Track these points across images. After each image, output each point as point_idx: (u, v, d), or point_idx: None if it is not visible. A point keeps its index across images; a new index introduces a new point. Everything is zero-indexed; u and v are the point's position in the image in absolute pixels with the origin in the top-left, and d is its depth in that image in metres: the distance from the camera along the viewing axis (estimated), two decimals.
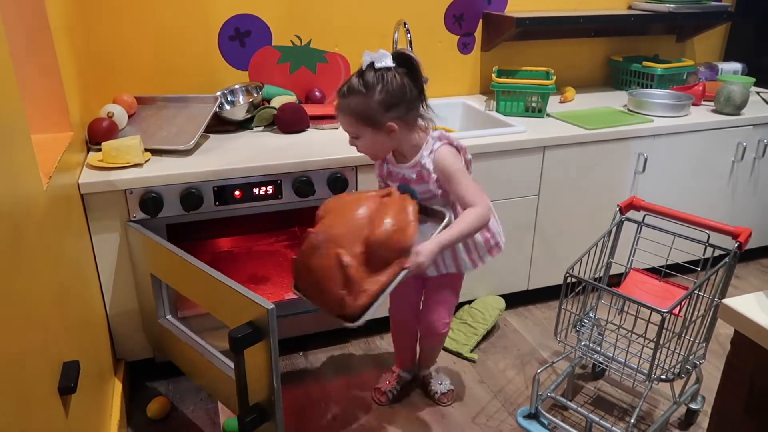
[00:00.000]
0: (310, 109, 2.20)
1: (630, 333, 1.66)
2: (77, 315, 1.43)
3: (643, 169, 2.30)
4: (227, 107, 2.18)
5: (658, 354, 1.54)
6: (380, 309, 2.14)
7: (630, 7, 2.79)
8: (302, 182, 1.87)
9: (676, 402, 1.76)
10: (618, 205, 1.80)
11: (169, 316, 1.82)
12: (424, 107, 1.52)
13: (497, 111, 2.38)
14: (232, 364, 1.56)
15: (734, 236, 1.59)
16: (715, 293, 1.63)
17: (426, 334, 1.84)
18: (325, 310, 1.43)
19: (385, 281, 1.37)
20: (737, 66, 2.93)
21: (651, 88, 2.67)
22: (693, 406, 1.83)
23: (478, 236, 1.61)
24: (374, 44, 2.44)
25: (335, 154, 1.89)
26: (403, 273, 1.39)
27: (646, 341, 1.59)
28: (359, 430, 1.82)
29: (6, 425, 0.84)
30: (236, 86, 2.24)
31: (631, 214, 1.82)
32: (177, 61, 2.21)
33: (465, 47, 2.61)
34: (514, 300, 2.40)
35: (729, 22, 2.92)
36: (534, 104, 2.34)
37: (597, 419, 1.69)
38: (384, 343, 2.20)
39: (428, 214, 1.53)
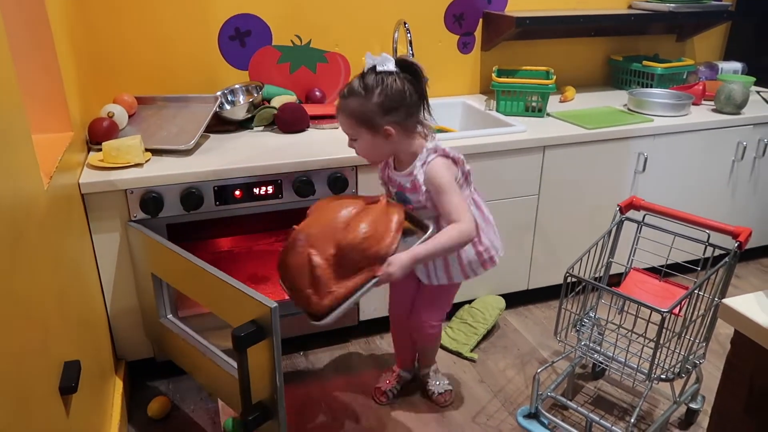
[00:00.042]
0: (310, 109, 2.20)
1: (630, 333, 1.66)
2: (78, 315, 1.43)
3: (643, 169, 2.30)
4: (227, 107, 2.18)
5: (658, 354, 1.54)
6: (380, 309, 2.14)
7: (630, 7, 2.79)
8: (302, 182, 1.87)
9: (676, 402, 1.76)
10: (618, 205, 1.80)
11: (170, 316, 1.82)
12: (426, 115, 1.52)
13: (497, 111, 2.38)
14: (234, 363, 1.57)
15: (734, 236, 1.60)
16: (715, 293, 1.63)
17: (415, 334, 1.86)
18: (296, 306, 1.45)
19: (352, 286, 1.39)
20: (737, 65, 2.93)
21: (651, 87, 2.67)
22: (693, 405, 1.83)
23: (471, 250, 1.61)
24: (374, 44, 2.44)
25: (335, 153, 1.89)
26: (373, 281, 1.40)
27: (646, 341, 1.59)
28: (359, 430, 1.82)
29: (7, 425, 0.85)
30: (236, 86, 2.24)
31: (631, 213, 1.82)
32: (177, 61, 2.22)
33: (465, 47, 2.61)
34: (514, 299, 2.40)
35: (729, 21, 2.92)
36: (534, 104, 2.34)
37: (597, 419, 1.69)
38: (384, 343, 2.21)
39: (420, 226, 1.52)
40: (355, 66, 2.44)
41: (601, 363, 1.75)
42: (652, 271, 1.84)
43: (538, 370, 1.79)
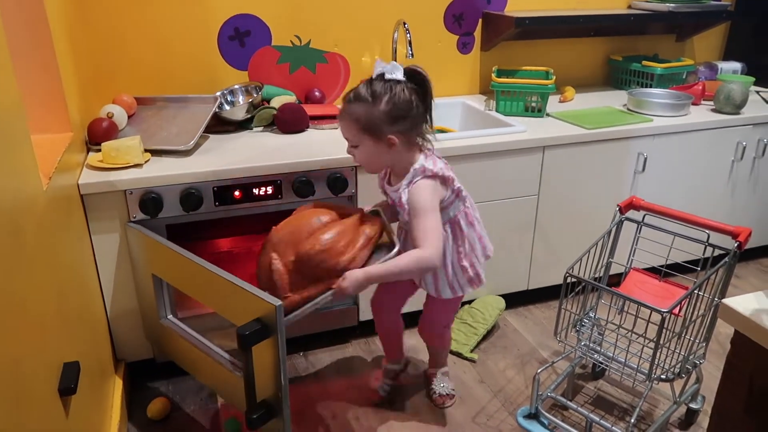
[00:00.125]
0: (310, 109, 2.20)
1: (630, 333, 1.66)
2: (77, 316, 1.43)
3: (643, 169, 2.30)
4: (227, 107, 2.18)
5: (658, 354, 1.54)
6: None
7: (630, 7, 2.79)
8: (302, 182, 1.87)
9: (676, 402, 1.76)
10: (618, 205, 1.80)
11: (170, 316, 1.82)
12: (428, 128, 1.52)
13: (497, 111, 2.38)
14: (237, 362, 1.57)
15: (734, 236, 1.59)
16: (715, 293, 1.63)
17: (424, 333, 1.87)
18: None
19: (307, 295, 1.43)
20: (737, 65, 2.93)
21: (651, 87, 2.67)
22: (693, 405, 1.83)
23: (458, 270, 1.63)
24: (374, 44, 2.44)
25: (335, 154, 1.89)
26: (329, 292, 1.42)
27: (646, 341, 1.59)
28: (359, 430, 1.82)
29: (6, 426, 0.84)
30: (236, 86, 2.24)
31: (630, 213, 1.82)
32: (177, 61, 2.21)
33: (464, 47, 2.61)
34: (514, 300, 2.40)
35: (728, 21, 2.92)
36: (534, 104, 2.34)
37: (597, 419, 1.69)
38: None
39: (391, 243, 1.52)
40: (355, 66, 2.44)
41: (601, 363, 1.75)
42: (652, 271, 1.84)
43: (538, 371, 1.79)
